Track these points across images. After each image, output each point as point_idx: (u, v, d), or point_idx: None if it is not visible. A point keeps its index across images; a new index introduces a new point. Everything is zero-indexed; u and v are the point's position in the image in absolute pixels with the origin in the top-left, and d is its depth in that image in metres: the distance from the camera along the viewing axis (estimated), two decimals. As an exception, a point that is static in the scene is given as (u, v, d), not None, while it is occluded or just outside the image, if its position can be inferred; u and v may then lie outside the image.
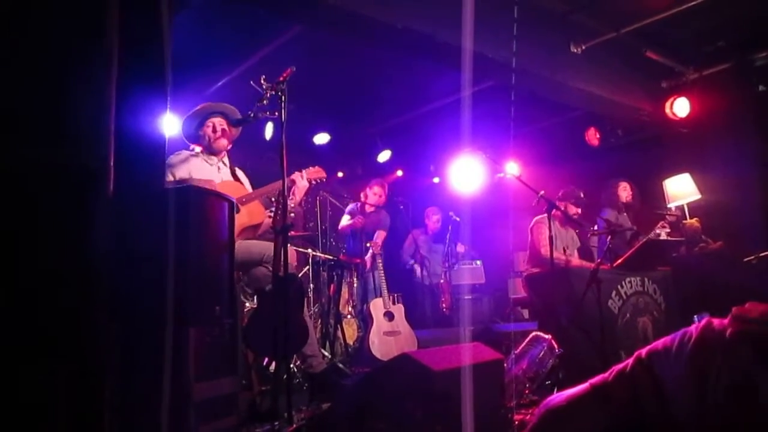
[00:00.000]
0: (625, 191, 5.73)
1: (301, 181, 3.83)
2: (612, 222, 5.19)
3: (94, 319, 1.51)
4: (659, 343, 1.01)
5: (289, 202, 3.56)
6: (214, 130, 3.76)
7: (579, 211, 5.20)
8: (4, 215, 1.43)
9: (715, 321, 0.97)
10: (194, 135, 3.83)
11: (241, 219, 3.63)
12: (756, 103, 5.89)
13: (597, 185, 5.92)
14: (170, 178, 3.55)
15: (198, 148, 3.82)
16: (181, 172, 3.62)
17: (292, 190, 3.79)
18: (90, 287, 1.51)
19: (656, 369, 0.98)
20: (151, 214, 2.22)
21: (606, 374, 1.06)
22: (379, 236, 6.15)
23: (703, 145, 6.17)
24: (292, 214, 3.63)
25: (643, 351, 1.03)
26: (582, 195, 5.28)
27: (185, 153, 3.76)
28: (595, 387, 1.07)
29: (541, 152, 7.31)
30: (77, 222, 1.52)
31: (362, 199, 6.23)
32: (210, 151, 3.79)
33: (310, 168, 3.94)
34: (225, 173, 3.83)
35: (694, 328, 0.98)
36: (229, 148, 3.89)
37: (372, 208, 6.20)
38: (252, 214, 3.68)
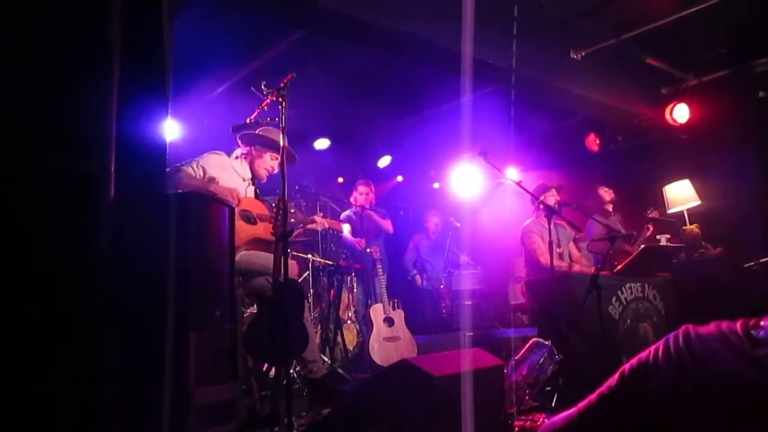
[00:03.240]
0: (606, 192, 5.80)
1: (320, 223, 4.23)
2: (611, 227, 5.18)
3: (95, 323, 1.51)
4: (642, 355, 0.99)
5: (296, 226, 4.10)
6: (272, 170, 3.97)
7: (559, 198, 5.14)
8: (7, 217, 1.44)
9: (692, 329, 0.97)
10: (249, 142, 3.93)
11: (255, 230, 3.73)
12: (756, 109, 5.88)
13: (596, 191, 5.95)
14: (200, 172, 3.62)
15: (239, 151, 3.93)
16: (212, 173, 3.68)
17: (307, 225, 4.22)
18: (90, 290, 1.52)
19: (643, 382, 0.96)
20: (152, 218, 2.22)
21: (592, 396, 1.04)
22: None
23: (702, 151, 6.16)
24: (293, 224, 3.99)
25: (626, 366, 1.01)
26: (551, 186, 5.24)
27: (227, 160, 3.85)
28: (582, 413, 1.04)
29: (541, 158, 7.32)
30: (79, 225, 1.52)
31: (352, 202, 6.19)
32: (251, 168, 3.94)
33: (333, 221, 4.73)
34: (250, 192, 3.97)
35: (672, 337, 0.97)
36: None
37: (359, 209, 6.11)
38: (267, 229, 3.74)
